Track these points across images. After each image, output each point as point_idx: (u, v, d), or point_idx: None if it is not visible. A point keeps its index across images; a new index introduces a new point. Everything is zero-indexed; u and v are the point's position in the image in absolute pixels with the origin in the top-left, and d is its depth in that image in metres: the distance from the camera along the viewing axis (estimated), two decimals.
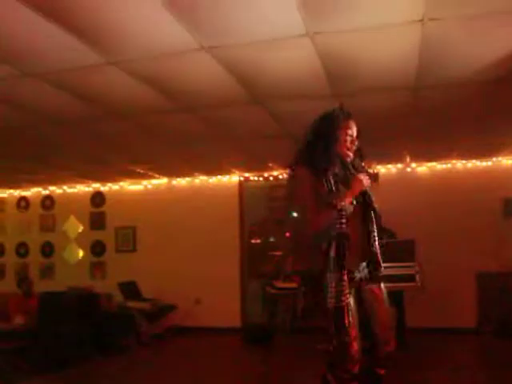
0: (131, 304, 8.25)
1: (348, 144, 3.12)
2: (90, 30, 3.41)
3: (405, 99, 5.05)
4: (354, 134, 3.15)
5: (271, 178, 8.91)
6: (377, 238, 3.13)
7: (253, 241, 8.98)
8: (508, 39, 3.71)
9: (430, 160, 8.26)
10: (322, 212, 2.93)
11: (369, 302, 3.10)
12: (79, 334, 6.80)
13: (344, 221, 2.95)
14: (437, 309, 7.79)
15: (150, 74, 4.24)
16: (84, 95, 4.72)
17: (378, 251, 3.13)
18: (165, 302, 8.62)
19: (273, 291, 7.67)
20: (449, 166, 8.33)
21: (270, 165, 8.53)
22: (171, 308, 8.64)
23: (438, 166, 8.37)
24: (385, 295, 3.13)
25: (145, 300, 8.51)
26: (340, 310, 2.90)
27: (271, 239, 8.94)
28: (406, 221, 7.51)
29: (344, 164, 3.13)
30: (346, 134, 3.11)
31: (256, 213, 8.96)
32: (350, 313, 2.92)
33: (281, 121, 5.69)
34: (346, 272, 2.92)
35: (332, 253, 2.90)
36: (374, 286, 3.12)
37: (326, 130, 3.13)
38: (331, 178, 3.01)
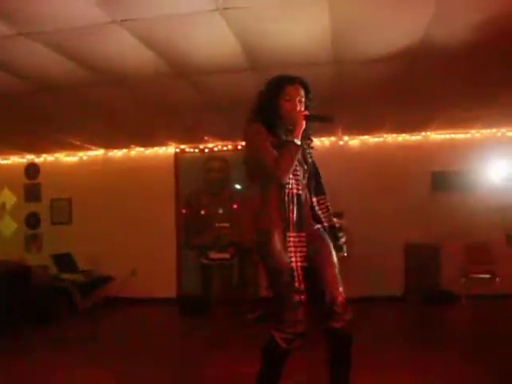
0: (65, 276, 8.22)
1: (288, 108, 3.05)
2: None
3: (328, 73, 5.14)
4: (296, 99, 3.07)
5: (206, 150, 8.95)
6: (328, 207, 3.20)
7: (189, 212, 9.00)
8: (406, 20, 3.84)
9: (362, 133, 8.45)
10: (280, 155, 2.92)
11: (315, 257, 3.05)
12: (8, 306, 6.76)
13: (298, 182, 3.02)
14: (365, 278, 8.06)
15: (68, 46, 4.19)
16: (12, 70, 4.68)
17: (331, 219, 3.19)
18: (100, 273, 8.63)
19: (206, 262, 7.78)
20: (380, 139, 8.55)
21: (206, 138, 8.57)
22: (107, 279, 8.64)
23: (371, 140, 8.57)
24: (331, 249, 3.11)
25: (79, 272, 8.49)
26: (293, 271, 2.91)
27: (204, 211, 8.98)
28: (338, 193, 7.66)
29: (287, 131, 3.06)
30: (285, 99, 3.07)
31: (191, 184, 9.00)
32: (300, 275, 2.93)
33: (206, 94, 5.72)
34: (303, 233, 2.95)
35: (292, 214, 2.95)
36: (320, 241, 3.10)
37: (267, 93, 3.13)
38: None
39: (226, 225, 8.69)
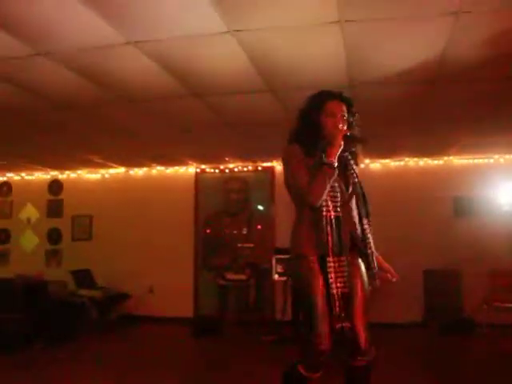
0: (83, 292, 8.29)
1: (330, 126, 2.93)
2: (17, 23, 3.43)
3: None
4: (338, 115, 2.95)
5: (227, 171, 8.97)
6: (368, 231, 3.01)
7: (208, 232, 9.00)
8: (421, 43, 3.81)
9: (383, 157, 8.38)
10: (313, 178, 2.83)
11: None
12: (24, 321, 6.82)
13: (336, 204, 2.91)
14: (384, 304, 7.91)
15: (84, 66, 4.26)
16: (27, 87, 4.76)
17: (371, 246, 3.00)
18: (118, 290, 8.67)
19: (222, 282, 7.75)
20: (402, 163, 8.46)
21: (227, 159, 8.60)
22: (124, 296, 8.69)
23: (392, 164, 8.50)
24: (364, 279, 2.99)
25: (97, 288, 8.55)
26: (331, 297, 2.83)
27: (223, 231, 8.96)
28: None
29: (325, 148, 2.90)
30: (327, 115, 2.97)
31: (211, 205, 9.01)
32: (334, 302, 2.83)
33: (223, 115, 5.73)
34: (343, 257, 2.87)
35: (331, 238, 2.85)
36: (354, 270, 2.96)
37: (307, 111, 3.06)
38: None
39: (245, 245, 8.66)
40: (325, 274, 2.84)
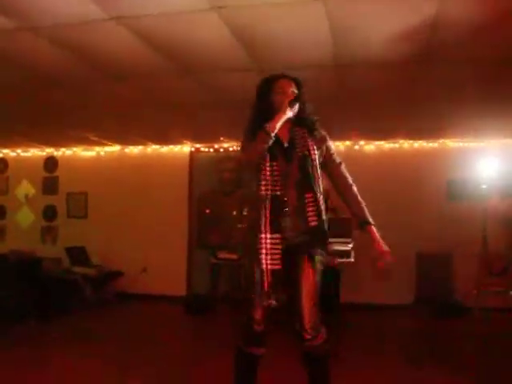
0: (77, 269, 8.34)
1: (280, 102, 3.02)
2: None
3: (332, 76, 5.10)
4: (288, 91, 3.08)
5: (222, 150, 8.95)
6: (317, 204, 3.01)
7: (203, 211, 9.01)
8: (409, 15, 3.75)
9: (377, 139, 8.35)
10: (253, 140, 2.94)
11: (298, 272, 2.97)
12: (18, 296, 6.87)
13: (277, 182, 2.97)
14: (375, 285, 7.96)
15: (70, 42, 4.24)
16: (14, 62, 4.73)
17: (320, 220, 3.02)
18: (112, 268, 8.73)
19: (214, 261, 7.78)
20: (396, 145, 8.43)
21: (222, 138, 8.58)
22: (117, 274, 8.75)
23: (386, 145, 8.47)
24: (317, 267, 3.00)
25: (91, 266, 8.60)
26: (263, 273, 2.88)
27: (218, 211, 8.97)
28: None
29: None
30: (277, 93, 3.09)
31: (206, 183, 9.02)
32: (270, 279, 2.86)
33: (214, 93, 5.72)
34: (277, 235, 2.91)
35: (264, 213, 2.91)
36: (301, 255, 2.99)
37: (260, 94, 3.19)
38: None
39: (239, 225, 8.67)
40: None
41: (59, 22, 3.81)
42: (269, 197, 2.93)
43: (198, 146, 9.04)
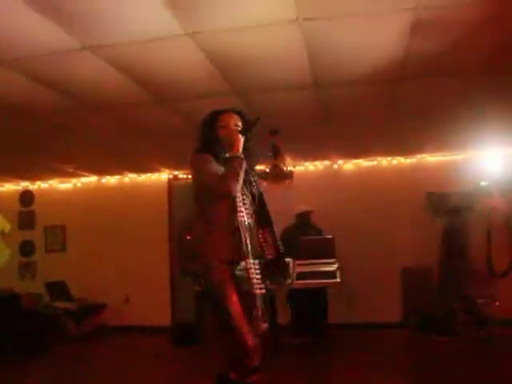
0: (57, 304, 8.15)
1: (224, 134, 3.11)
2: None
3: (310, 96, 5.09)
4: (231, 125, 3.14)
5: None
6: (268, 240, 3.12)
7: (182, 238, 8.88)
8: (384, 40, 3.77)
9: (356, 157, 8.37)
10: (224, 172, 2.93)
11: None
12: None
13: (247, 210, 3.00)
14: (362, 305, 7.90)
15: (43, 73, 4.19)
16: None
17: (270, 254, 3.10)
18: (93, 301, 8.54)
19: (198, 288, 7.62)
20: (374, 163, 8.45)
21: None
22: (100, 307, 8.56)
23: (364, 163, 8.48)
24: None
25: (72, 300, 8.41)
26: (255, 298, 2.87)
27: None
28: (331, 217, 7.65)
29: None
30: (221, 127, 3.15)
31: (185, 210, 8.89)
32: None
33: (191, 120, 5.64)
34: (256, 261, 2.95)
35: (246, 242, 2.91)
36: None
37: (204, 127, 3.23)
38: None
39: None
40: (235, 277, 2.90)
41: (31, 53, 3.75)
42: (244, 225, 2.95)
43: (176, 172, 8.97)
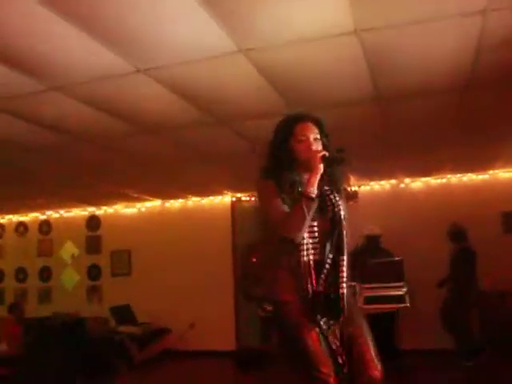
0: (122, 328, 8.16)
1: (303, 150, 2.64)
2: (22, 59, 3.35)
3: (371, 112, 4.88)
4: (310, 138, 2.67)
5: None
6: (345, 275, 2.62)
7: (247, 261, 8.76)
8: (447, 44, 3.53)
9: (424, 175, 8.03)
10: (290, 212, 2.53)
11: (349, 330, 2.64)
12: (62, 359, 6.71)
13: (314, 244, 2.60)
14: (434, 330, 7.48)
15: (97, 98, 4.17)
16: (50, 124, 4.71)
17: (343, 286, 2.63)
18: (158, 325, 8.51)
19: (262, 314, 7.47)
20: (444, 180, 8.08)
21: None
22: (164, 332, 8.52)
23: (433, 181, 8.13)
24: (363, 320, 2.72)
25: (137, 324, 8.41)
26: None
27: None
28: (400, 239, 7.32)
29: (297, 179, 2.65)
30: (298, 141, 2.67)
31: (249, 233, 8.79)
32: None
33: (251, 140, 5.54)
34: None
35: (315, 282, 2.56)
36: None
37: (276, 140, 2.75)
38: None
39: None
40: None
41: (86, 79, 3.74)
42: (311, 264, 2.58)
43: (238, 195, 8.89)
